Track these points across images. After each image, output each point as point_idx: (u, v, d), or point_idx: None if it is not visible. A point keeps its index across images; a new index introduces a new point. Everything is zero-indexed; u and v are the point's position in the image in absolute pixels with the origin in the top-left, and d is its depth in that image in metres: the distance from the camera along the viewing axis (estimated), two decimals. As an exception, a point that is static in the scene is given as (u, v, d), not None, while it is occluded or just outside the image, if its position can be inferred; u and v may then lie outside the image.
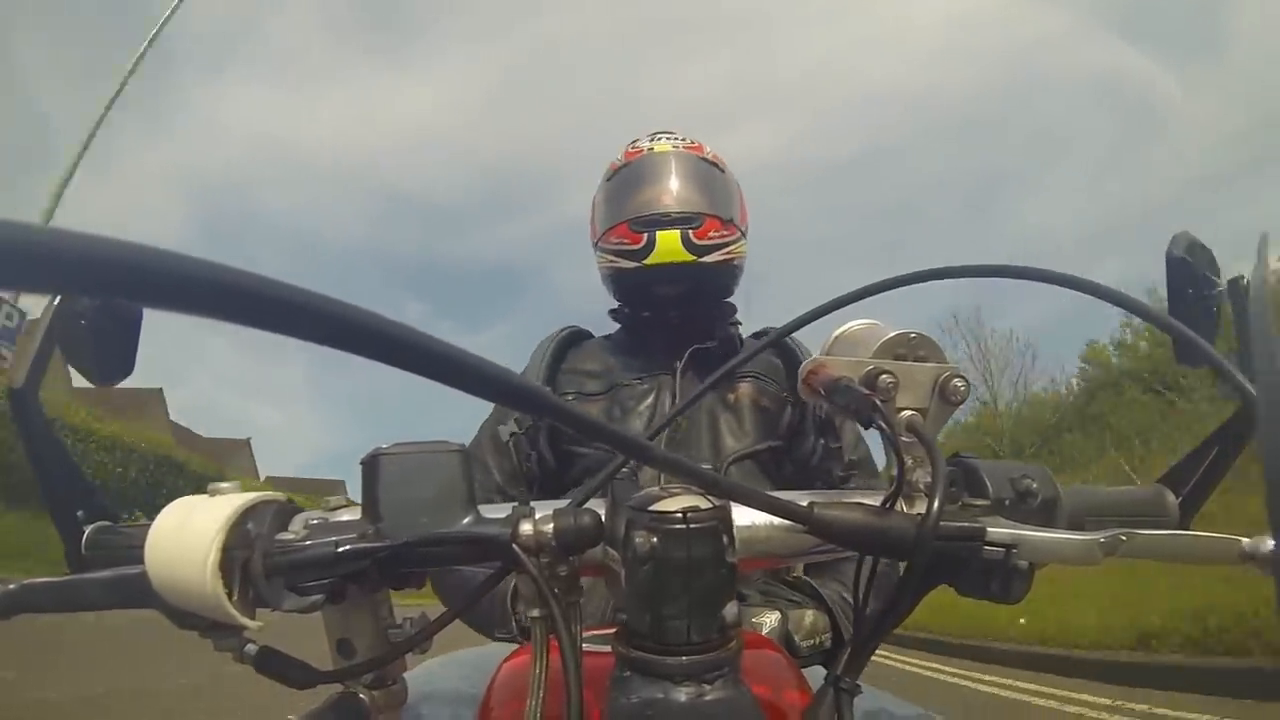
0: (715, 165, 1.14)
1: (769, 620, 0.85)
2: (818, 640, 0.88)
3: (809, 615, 0.89)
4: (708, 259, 1.05)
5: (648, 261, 1.05)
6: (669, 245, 1.04)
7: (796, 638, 0.86)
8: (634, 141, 1.18)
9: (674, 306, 1.10)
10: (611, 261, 1.09)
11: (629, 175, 1.12)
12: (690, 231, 1.04)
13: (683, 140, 1.17)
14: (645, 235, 1.05)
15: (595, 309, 1.21)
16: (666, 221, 1.05)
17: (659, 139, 1.17)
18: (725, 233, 1.07)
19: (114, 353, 0.47)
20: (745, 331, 1.17)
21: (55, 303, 0.46)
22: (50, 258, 0.17)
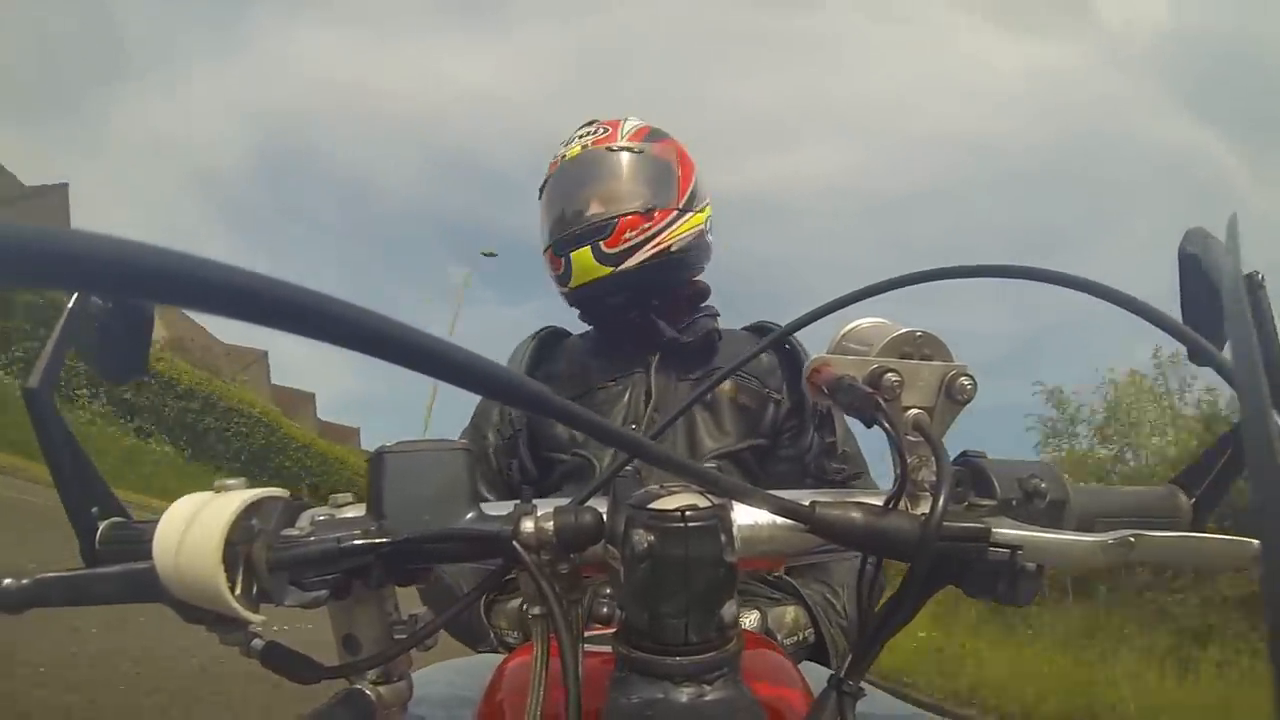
0: (629, 150, 1.05)
1: (749, 619, 0.84)
2: (801, 636, 0.87)
3: (790, 612, 0.88)
4: (629, 264, 0.99)
5: (571, 285, 1.02)
6: (583, 264, 1.00)
7: (779, 635, 0.85)
8: (563, 143, 1.12)
9: (627, 310, 1.05)
10: (554, 286, 1.08)
11: (549, 193, 1.09)
12: (601, 242, 0.99)
13: (592, 134, 1.09)
14: (563, 260, 1.02)
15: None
16: (574, 239, 1.01)
17: (573, 141, 1.10)
18: (647, 226, 1.00)
19: (126, 353, 0.48)
20: (737, 324, 1.13)
21: (70, 305, 0.46)
22: (68, 258, 0.17)
